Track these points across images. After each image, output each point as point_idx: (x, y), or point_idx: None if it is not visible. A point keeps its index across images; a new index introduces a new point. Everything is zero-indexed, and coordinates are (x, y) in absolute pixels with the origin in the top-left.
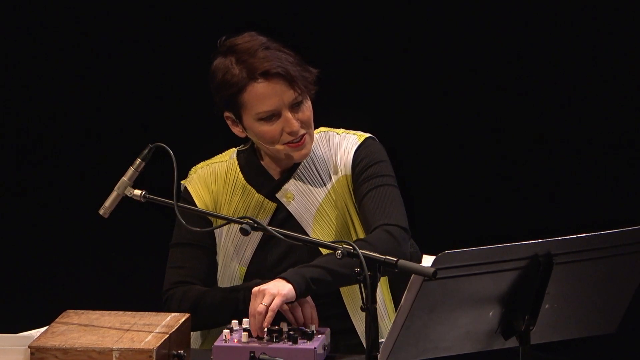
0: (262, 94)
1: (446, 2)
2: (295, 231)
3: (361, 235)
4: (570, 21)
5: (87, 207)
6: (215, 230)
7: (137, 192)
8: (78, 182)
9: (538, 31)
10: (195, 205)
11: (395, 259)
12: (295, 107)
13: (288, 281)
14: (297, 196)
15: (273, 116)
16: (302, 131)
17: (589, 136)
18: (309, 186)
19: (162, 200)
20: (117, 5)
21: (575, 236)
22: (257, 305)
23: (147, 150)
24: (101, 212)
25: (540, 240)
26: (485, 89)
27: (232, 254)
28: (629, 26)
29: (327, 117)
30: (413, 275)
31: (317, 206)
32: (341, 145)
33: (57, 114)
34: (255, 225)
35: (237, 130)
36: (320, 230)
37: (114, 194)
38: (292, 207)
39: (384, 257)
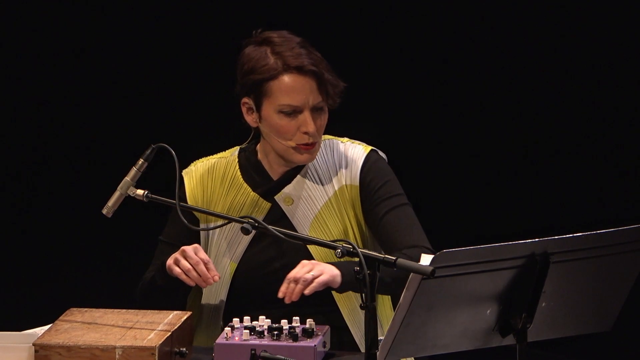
0: (291, 87)
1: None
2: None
3: (359, 246)
4: (572, 22)
5: (91, 207)
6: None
7: (140, 191)
8: (81, 182)
9: (534, 31)
10: (186, 200)
11: (394, 258)
12: (315, 111)
13: (338, 269)
14: (296, 201)
15: (294, 112)
16: (314, 133)
17: (586, 136)
18: (310, 192)
19: (165, 200)
20: (118, 5)
21: (571, 235)
22: (304, 273)
23: (149, 151)
24: (104, 211)
25: (537, 240)
26: (484, 89)
27: (225, 250)
28: (630, 26)
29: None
30: (412, 273)
31: (315, 212)
32: (347, 154)
33: (62, 115)
34: (257, 224)
35: (250, 119)
36: (316, 237)
37: (117, 194)
38: (290, 211)
39: (383, 256)
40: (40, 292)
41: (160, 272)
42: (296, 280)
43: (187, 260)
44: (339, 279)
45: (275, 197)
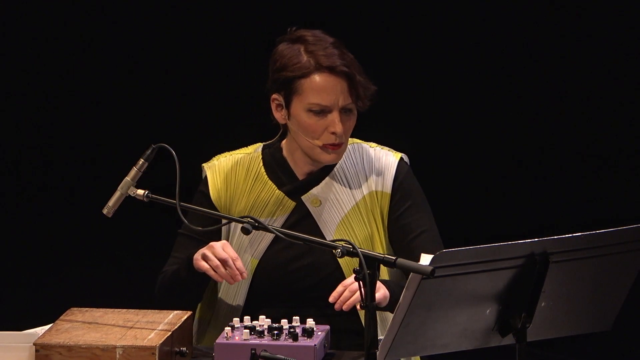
0: (322, 87)
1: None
2: (314, 235)
3: (384, 253)
4: (572, 22)
5: (91, 207)
6: (230, 225)
7: (140, 191)
8: (82, 182)
9: (534, 31)
10: (209, 196)
11: (394, 258)
12: (344, 112)
13: (389, 289)
14: (323, 202)
15: (323, 111)
16: (342, 134)
17: (585, 136)
18: (337, 195)
19: (165, 200)
20: (119, 6)
21: (571, 235)
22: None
23: (149, 151)
24: (105, 211)
25: (536, 239)
26: (483, 89)
27: (247, 246)
28: (630, 26)
29: None
30: (411, 273)
31: (342, 216)
32: (378, 160)
33: (64, 114)
34: (257, 224)
35: (279, 115)
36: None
37: (117, 194)
38: (317, 212)
39: (383, 255)
40: (41, 292)
41: (185, 266)
42: (351, 291)
43: (215, 257)
44: (386, 301)
45: (302, 197)
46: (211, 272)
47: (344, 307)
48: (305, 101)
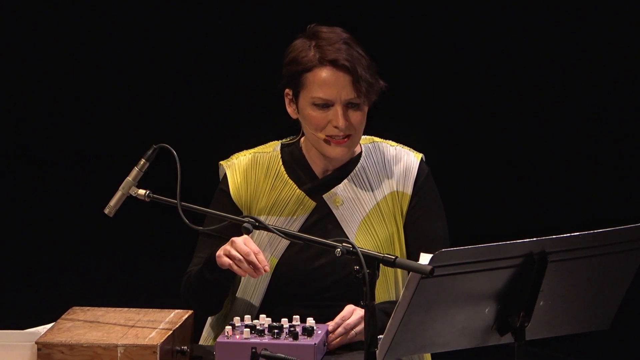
0: (324, 81)
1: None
2: (335, 234)
3: (403, 253)
4: (570, 22)
5: (93, 206)
6: None
7: (142, 191)
8: (84, 182)
9: (535, 31)
10: (230, 194)
11: (393, 257)
12: (350, 106)
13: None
14: (345, 202)
15: (326, 105)
16: (348, 132)
17: (583, 136)
18: (358, 194)
19: (166, 200)
20: (121, 6)
21: (569, 235)
22: (355, 324)
23: (151, 151)
24: (106, 211)
25: (535, 239)
26: (481, 89)
27: (266, 245)
28: (630, 26)
29: None
30: (411, 272)
31: (363, 215)
32: (399, 160)
33: (67, 113)
34: (257, 224)
35: (291, 110)
36: (363, 240)
37: (118, 194)
38: (338, 212)
39: (382, 255)
40: (43, 291)
41: (208, 265)
42: (346, 327)
43: (237, 251)
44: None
45: (324, 196)
46: (234, 267)
47: (335, 345)
48: (309, 95)
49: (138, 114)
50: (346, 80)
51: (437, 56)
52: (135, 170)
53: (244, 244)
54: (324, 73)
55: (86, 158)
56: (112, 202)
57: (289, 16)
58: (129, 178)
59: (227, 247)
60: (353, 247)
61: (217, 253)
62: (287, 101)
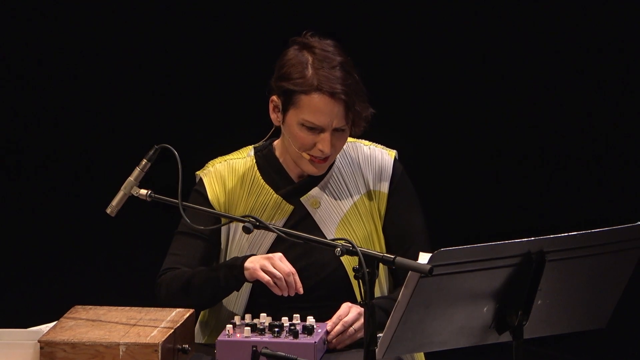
0: (319, 108)
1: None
2: (315, 235)
3: (383, 251)
4: (569, 22)
5: (95, 206)
6: (229, 226)
7: (143, 191)
8: (86, 182)
9: (533, 31)
10: (208, 198)
11: (392, 257)
12: (337, 131)
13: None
14: (323, 204)
15: (315, 129)
16: (329, 153)
17: (581, 136)
18: (335, 195)
19: (167, 200)
20: (122, 6)
21: (567, 234)
22: (352, 321)
23: (152, 151)
24: (108, 211)
25: (533, 238)
26: (481, 89)
27: (246, 250)
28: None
29: None
30: (410, 272)
31: (341, 216)
32: (373, 159)
33: (69, 113)
34: (258, 224)
35: (274, 116)
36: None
37: (120, 194)
38: (317, 215)
39: (382, 254)
40: (46, 290)
41: (228, 273)
42: (344, 324)
43: (277, 270)
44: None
45: (301, 199)
46: (271, 284)
47: (339, 346)
48: (300, 116)
49: (140, 115)
50: (340, 111)
51: (436, 56)
52: (137, 170)
53: (283, 263)
54: (320, 101)
55: (89, 158)
56: (114, 202)
57: (289, 16)
58: (131, 178)
59: (263, 262)
60: (353, 246)
61: (248, 265)
62: (271, 107)
